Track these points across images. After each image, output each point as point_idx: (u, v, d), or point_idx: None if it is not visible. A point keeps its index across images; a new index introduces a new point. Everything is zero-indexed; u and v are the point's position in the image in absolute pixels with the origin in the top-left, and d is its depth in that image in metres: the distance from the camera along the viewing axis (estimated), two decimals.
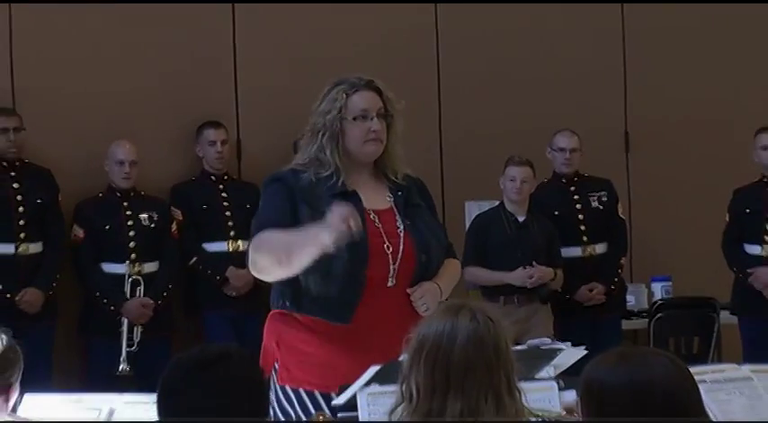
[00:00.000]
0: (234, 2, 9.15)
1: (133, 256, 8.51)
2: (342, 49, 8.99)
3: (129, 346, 8.29)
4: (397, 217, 5.11)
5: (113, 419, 4.51)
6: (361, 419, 4.41)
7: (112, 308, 8.36)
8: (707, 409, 3.87)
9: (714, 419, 3.54)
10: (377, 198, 5.12)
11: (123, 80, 8.82)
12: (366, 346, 4.88)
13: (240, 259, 8.51)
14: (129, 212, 8.58)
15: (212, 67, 9.10)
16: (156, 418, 3.24)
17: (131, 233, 8.55)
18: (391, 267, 5.04)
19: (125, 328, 8.31)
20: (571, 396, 4.37)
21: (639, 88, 9.88)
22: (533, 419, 4.08)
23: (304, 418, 4.97)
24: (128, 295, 8.41)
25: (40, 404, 4.59)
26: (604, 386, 3.24)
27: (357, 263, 4.97)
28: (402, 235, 5.09)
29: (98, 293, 8.42)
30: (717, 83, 9.87)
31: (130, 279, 8.44)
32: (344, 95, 5.02)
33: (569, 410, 4.26)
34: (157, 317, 8.44)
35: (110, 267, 8.50)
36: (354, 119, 5.02)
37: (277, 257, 4.87)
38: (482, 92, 9.49)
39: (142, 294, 8.43)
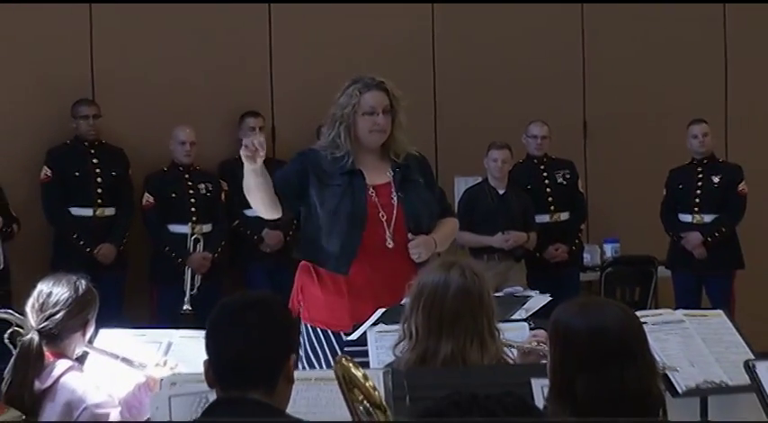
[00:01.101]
0: (270, 2, 9.08)
1: (194, 218, 8.51)
2: (356, 49, 8.95)
3: (191, 290, 8.30)
4: (392, 190, 5.16)
5: (173, 354, 4.48)
6: (370, 353, 4.41)
7: (179, 260, 8.37)
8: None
9: (656, 355, 3.49)
10: (378, 174, 5.20)
11: (182, 76, 8.80)
12: (367, 295, 4.93)
13: (273, 222, 8.52)
14: (189, 183, 8.58)
15: (252, 67, 9.07)
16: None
17: (192, 200, 8.54)
18: (387, 232, 5.07)
19: (188, 276, 8.33)
20: (539, 335, 4.37)
21: (595, 87, 9.84)
22: (507, 355, 4.07)
23: (319, 351, 5.01)
24: (191, 250, 8.40)
25: (112, 337, 4.56)
26: (568, 329, 3.21)
27: (354, 227, 5.07)
28: (396, 205, 5.12)
29: (167, 248, 8.43)
30: (660, 81, 9.83)
31: (192, 237, 8.45)
32: (358, 93, 5.11)
33: (535, 337, 4.25)
34: (213, 267, 8.43)
35: (175, 228, 8.50)
36: (364, 114, 5.10)
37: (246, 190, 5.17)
38: (470, 87, 9.44)
39: (202, 249, 8.43)
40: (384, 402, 1.97)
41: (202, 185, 8.60)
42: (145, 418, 4.10)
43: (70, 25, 8.62)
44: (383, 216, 5.10)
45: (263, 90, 9.10)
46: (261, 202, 5.16)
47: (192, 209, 8.52)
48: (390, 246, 5.09)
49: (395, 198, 5.14)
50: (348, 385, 2.01)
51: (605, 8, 9.80)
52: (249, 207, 8.54)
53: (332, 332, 5.04)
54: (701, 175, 9.03)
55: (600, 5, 9.81)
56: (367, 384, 1.99)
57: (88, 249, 8.21)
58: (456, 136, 9.30)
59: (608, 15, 9.81)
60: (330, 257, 5.07)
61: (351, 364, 2.04)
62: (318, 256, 5.11)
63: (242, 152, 4.91)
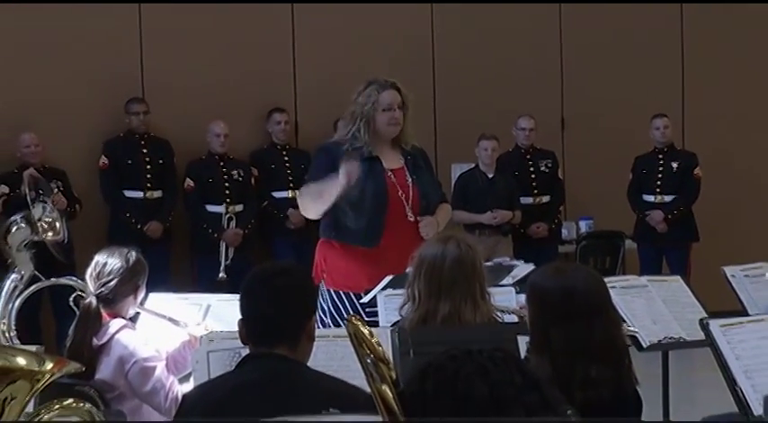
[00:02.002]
0: (293, 2, 9.05)
1: (228, 200, 8.49)
2: (366, 52, 8.89)
3: (225, 261, 8.30)
4: (407, 173, 5.18)
5: (211, 315, 4.48)
6: (379, 314, 4.42)
7: (215, 235, 8.35)
8: (617, 307, 3.86)
9: (622, 314, 3.47)
10: (393, 160, 5.20)
11: (217, 77, 8.78)
12: (384, 263, 4.89)
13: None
14: (224, 170, 8.55)
15: (278, 69, 9.03)
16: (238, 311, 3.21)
17: (226, 184, 8.52)
18: (407, 207, 5.09)
19: (223, 249, 8.32)
20: (522, 298, 4.38)
21: (571, 86, 9.78)
22: (498, 313, 4.06)
23: (342, 310, 5.01)
24: (225, 227, 8.39)
25: (159, 300, 4.57)
26: (543, 289, 3.21)
27: (379, 205, 5.06)
28: (411, 185, 5.14)
29: (205, 225, 8.43)
30: (626, 80, 9.74)
31: (226, 216, 8.44)
32: (377, 92, 5.10)
33: (522, 307, 4.24)
34: (244, 242, 8.42)
35: (212, 208, 8.48)
36: (383, 110, 5.09)
37: (315, 197, 5.03)
38: (464, 85, 9.38)
39: (235, 226, 8.41)
40: (386, 356, 1.96)
41: (235, 172, 8.58)
42: (188, 372, 4.10)
43: (122, 34, 8.64)
44: (402, 194, 5.11)
45: (288, 89, 9.08)
46: (321, 211, 5.07)
47: (227, 191, 8.51)
48: (411, 219, 5.11)
49: (410, 179, 5.16)
50: (358, 340, 2.00)
51: (580, 20, 9.73)
52: (277, 190, 8.68)
53: (353, 294, 5.04)
54: (661, 162, 9.03)
55: (574, 18, 9.74)
56: (372, 340, 1.98)
57: (139, 226, 8.22)
58: (452, 128, 9.27)
59: (582, 26, 9.73)
60: (357, 234, 5.05)
61: (359, 323, 2.03)
62: (345, 236, 5.08)
63: (343, 176, 4.83)
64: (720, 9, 9.91)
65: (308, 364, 3.15)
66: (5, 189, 7.90)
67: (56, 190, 7.77)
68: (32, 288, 5.19)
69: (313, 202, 5.08)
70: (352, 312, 5.02)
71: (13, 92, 8.27)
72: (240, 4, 8.82)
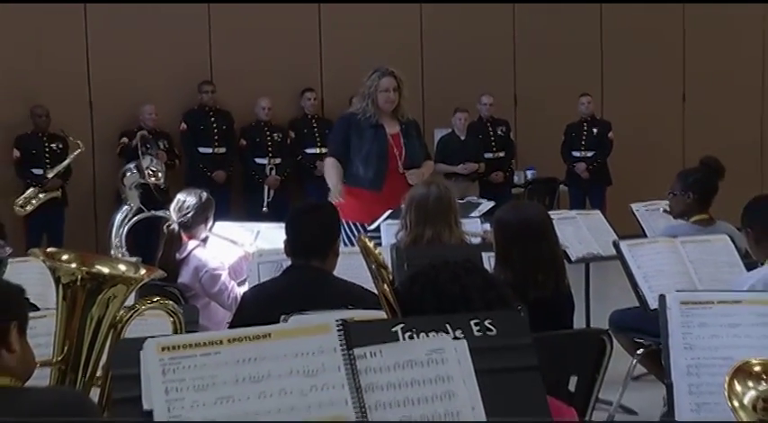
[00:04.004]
0: (320, 5, 8.95)
1: (270, 154, 8.43)
2: (375, 44, 8.70)
3: (267, 198, 8.26)
4: (401, 138, 5.16)
5: (260, 237, 4.49)
6: (382, 237, 4.42)
7: (261, 180, 8.32)
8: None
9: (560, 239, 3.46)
10: (392, 128, 5.19)
11: (263, 64, 8.66)
12: (381, 202, 4.91)
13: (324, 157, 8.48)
14: (268, 133, 8.49)
15: (308, 58, 8.92)
16: (283, 235, 3.22)
17: (269, 143, 8.45)
18: (399, 163, 5.09)
19: (266, 190, 8.28)
20: (485, 226, 4.39)
21: (521, 71, 9.68)
22: (467, 237, 4.07)
23: (350, 234, 5.02)
24: (268, 174, 8.35)
25: (224, 227, 4.58)
26: (505, 220, 3.21)
27: (382, 160, 5.08)
28: (403, 147, 5.13)
29: (253, 173, 8.39)
30: (562, 67, 9.62)
31: (269, 166, 8.38)
32: (378, 78, 5.11)
33: (486, 232, 4.25)
34: (281, 185, 8.38)
35: (259, 160, 8.41)
36: (381, 91, 5.10)
37: (327, 177, 5.17)
38: (444, 68, 9.25)
39: (275, 174, 8.37)
40: (385, 263, 1.98)
41: (276, 134, 8.52)
42: (244, 278, 4.13)
43: (198, 34, 8.55)
44: (397, 153, 5.12)
45: (316, 74, 8.99)
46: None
47: (269, 149, 8.45)
48: (402, 171, 5.11)
49: (403, 143, 5.15)
50: (366, 252, 2.01)
51: (528, 21, 9.60)
52: (308, 147, 8.65)
53: (359, 223, 5.06)
54: (585, 128, 9.01)
55: (525, 19, 9.61)
56: (376, 252, 1.99)
57: (209, 173, 8.18)
58: (435, 102, 9.19)
59: (530, 26, 9.62)
60: (366, 180, 5.08)
61: (366, 239, 2.04)
62: (359, 182, 5.10)
63: (334, 197, 4.96)
64: (631, 9, 9.80)
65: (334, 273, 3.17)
66: (125, 140, 7.92)
67: (162, 146, 7.81)
68: (138, 217, 5.27)
69: (326, 177, 5.19)
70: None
71: (130, 75, 8.22)
72: (280, 5, 8.67)
